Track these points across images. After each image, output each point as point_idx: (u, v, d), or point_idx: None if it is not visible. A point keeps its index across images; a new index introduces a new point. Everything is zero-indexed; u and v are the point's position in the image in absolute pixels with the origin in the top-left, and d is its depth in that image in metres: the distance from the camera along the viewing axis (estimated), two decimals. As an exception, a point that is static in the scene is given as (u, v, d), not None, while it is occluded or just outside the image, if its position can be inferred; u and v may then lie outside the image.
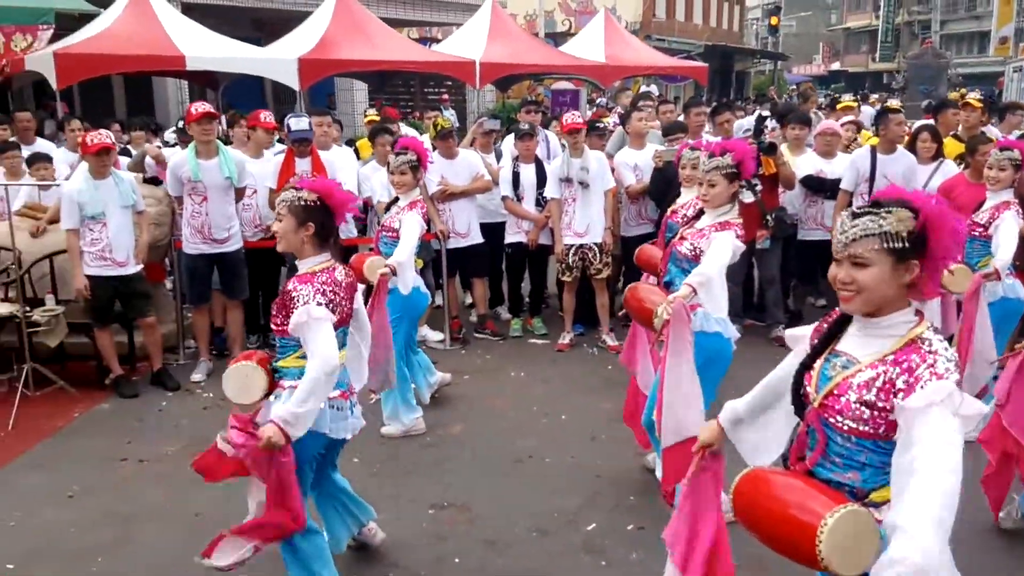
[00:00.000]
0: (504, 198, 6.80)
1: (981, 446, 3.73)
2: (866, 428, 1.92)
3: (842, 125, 7.56)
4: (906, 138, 6.56)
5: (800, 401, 2.10)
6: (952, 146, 6.55)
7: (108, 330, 5.69)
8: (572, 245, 6.41)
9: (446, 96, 17.55)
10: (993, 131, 6.96)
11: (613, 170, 6.54)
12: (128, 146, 7.99)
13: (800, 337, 2.27)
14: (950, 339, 1.94)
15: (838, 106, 9.28)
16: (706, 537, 2.61)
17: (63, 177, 6.23)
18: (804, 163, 6.59)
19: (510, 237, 6.93)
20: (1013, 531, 3.79)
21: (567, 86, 17.01)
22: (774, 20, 37.52)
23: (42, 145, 7.49)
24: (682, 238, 3.84)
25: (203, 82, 12.38)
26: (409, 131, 8.97)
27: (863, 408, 1.91)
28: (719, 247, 3.60)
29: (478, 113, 11.94)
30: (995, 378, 4.05)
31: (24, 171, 6.45)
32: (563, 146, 6.60)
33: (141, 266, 5.68)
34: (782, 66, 41.03)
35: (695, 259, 3.69)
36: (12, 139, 7.06)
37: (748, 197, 5.76)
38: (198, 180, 5.80)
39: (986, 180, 4.66)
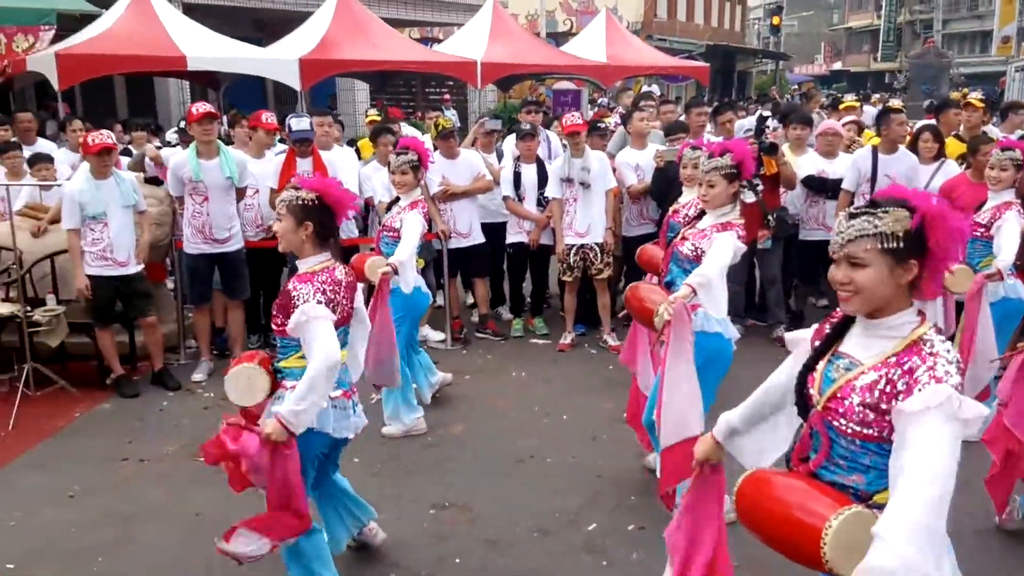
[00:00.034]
0: (505, 198, 6.80)
1: (985, 446, 3.72)
2: (870, 431, 1.91)
3: (843, 125, 7.56)
4: (908, 138, 6.55)
5: (804, 403, 2.09)
6: (954, 146, 6.54)
7: (109, 330, 5.69)
8: (573, 245, 6.40)
9: (447, 96, 17.52)
10: (995, 131, 6.95)
11: (615, 170, 6.54)
12: (129, 146, 8.00)
13: (800, 340, 2.26)
14: (951, 338, 1.92)
15: (840, 106, 9.27)
16: (706, 550, 2.58)
17: (64, 177, 6.24)
18: (806, 163, 6.58)
19: (511, 237, 6.93)
20: (1013, 531, 3.78)
21: (568, 86, 16.99)
22: (776, 20, 37.57)
23: (43, 145, 7.50)
24: (684, 238, 3.83)
25: (204, 82, 12.39)
26: (411, 131, 8.97)
27: (866, 411, 1.90)
28: (720, 248, 3.60)
29: (479, 113, 11.94)
30: (997, 378, 4.05)
31: (25, 171, 6.46)
32: (564, 146, 6.59)
33: (142, 266, 5.69)
34: (784, 66, 41.02)
35: (697, 259, 3.68)
36: (13, 139, 7.07)
37: (749, 197, 5.77)
38: (199, 180, 5.80)
39: (987, 180, 4.66)
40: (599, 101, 15.30)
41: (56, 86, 9.12)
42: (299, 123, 6.30)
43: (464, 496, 4.24)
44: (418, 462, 4.65)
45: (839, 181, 6.31)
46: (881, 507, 1.90)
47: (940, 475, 1.72)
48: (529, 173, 6.76)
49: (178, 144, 7.93)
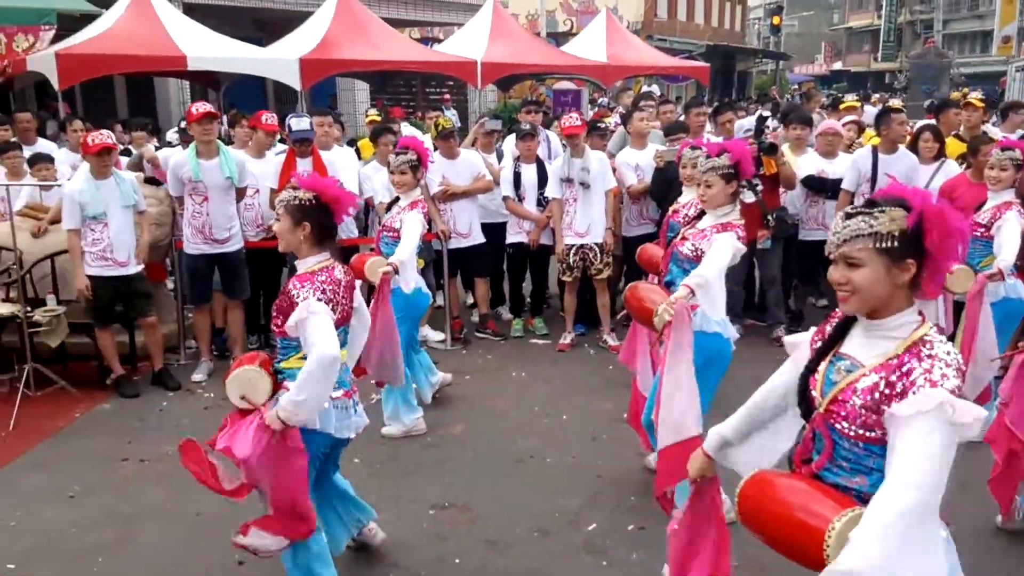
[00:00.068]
0: (505, 198, 6.80)
1: (986, 447, 3.72)
2: (872, 433, 1.89)
3: (843, 125, 7.56)
4: (908, 138, 6.55)
5: (806, 405, 2.08)
6: (954, 146, 6.54)
7: (109, 330, 5.69)
8: (573, 245, 6.40)
9: (448, 96, 17.53)
10: (995, 131, 6.95)
11: (614, 170, 6.54)
12: (130, 146, 8.00)
13: (799, 343, 2.25)
14: (950, 338, 1.91)
15: (841, 106, 9.26)
16: (705, 560, 2.56)
17: (65, 177, 6.24)
18: (805, 163, 6.58)
19: (511, 237, 6.93)
20: (1013, 531, 3.78)
21: (569, 86, 16.99)
22: (776, 20, 37.56)
23: (43, 145, 7.50)
24: (684, 238, 3.83)
25: (204, 82, 12.40)
26: (412, 131, 8.96)
27: (868, 413, 1.89)
28: (719, 249, 3.59)
29: (480, 113, 11.93)
30: (999, 378, 4.04)
31: (25, 171, 6.46)
32: (564, 146, 6.59)
33: (142, 266, 5.69)
34: (784, 66, 41.00)
35: (696, 259, 3.68)
36: (13, 139, 7.07)
37: (749, 197, 5.76)
38: (199, 180, 5.80)
39: (987, 180, 4.66)
40: (599, 101, 15.30)
41: (56, 86, 9.13)
42: (299, 123, 6.30)
43: (464, 496, 4.24)
44: (418, 462, 4.64)
45: (839, 181, 6.31)
46: None
47: (923, 482, 1.72)
48: (529, 173, 6.76)
49: (178, 144, 7.93)
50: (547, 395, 5.66)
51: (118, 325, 5.80)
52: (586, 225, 6.38)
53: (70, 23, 10.37)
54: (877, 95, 22.85)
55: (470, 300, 7.42)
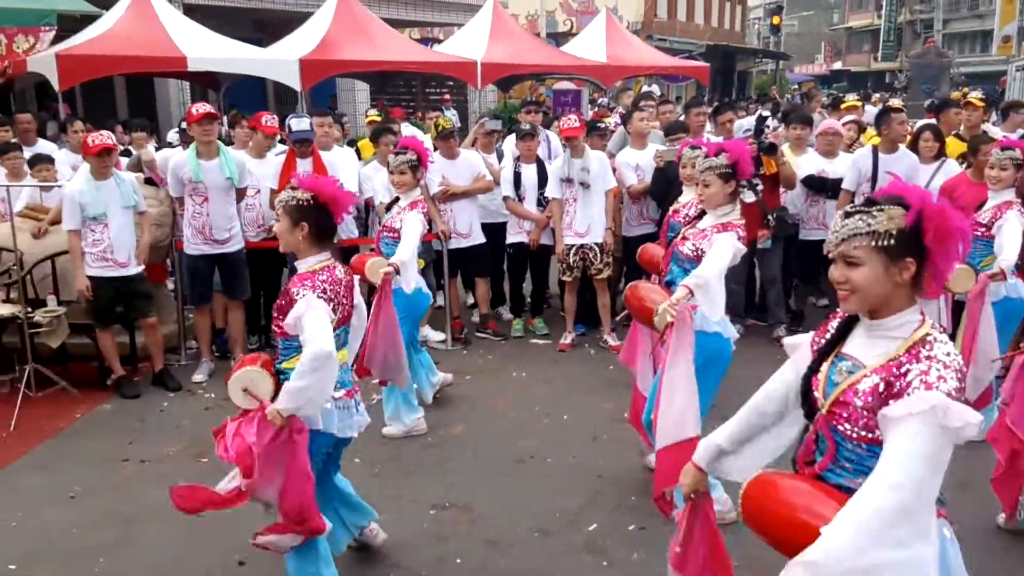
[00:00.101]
0: (505, 198, 6.80)
1: (990, 446, 3.71)
2: (874, 435, 1.88)
3: (843, 124, 7.56)
4: (908, 137, 6.55)
5: (809, 406, 2.07)
6: (954, 145, 6.54)
7: (110, 331, 5.69)
8: (573, 245, 6.40)
9: (448, 96, 17.51)
10: (995, 130, 6.95)
11: (614, 170, 6.54)
12: (130, 147, 8.00)
13: (798, 345, 2.24)
14: (951, 338, 1.89)
15: (842, 106, 9.26)
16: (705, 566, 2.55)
17: (65, 178, 6.24)
18: (806, 163, 6.58)
19: (511, 237, 6.93)
20: (1015, 531, 3.77)
21: (569, 86, 16.98)
22: (776, 20, 37.53)
23: (44, 146, 7.51)
24: (684, 238, 3.83)
25: (205, 83, 12.39)
26: (412, 131, 8.96)
27: (869, 415, 1.88)
28: (719, 249, 3.59)
29: (480, 113, 11.93)
30: (1000, 378, 4.04)
31: (26, 172, 6.47)
32: (564, 146, 6.59)
33: (142, 267, 5.69)
34: (784, 66, 41.00)
35: (697, 259, 3.68)
36: (14, 140, 7.07)
37: (749, 197, 5.76)
38: (199, 181, 5.80)
39: (987, 180, 4.66)
40: (599, 101, 15.30)
41: (56, 87, 9.13)
42: (299, 123, 6.31)
43: (464, 496, 4.24)
44: (419, 462, 4.64)
45: (839, 181, 6.31)
46: None
47: (904, 483, 1.70)
48: (529, 173, 6.76)
49: (179, 145, 7.93)
50: (548, 395, 5.66)
51: (119, 326, 5.80)
52: (586, 225, 6.38)
53: (70, 24, 10.37)
54: (877, 95, 22.84)
55: (470, 300, 7.41)
